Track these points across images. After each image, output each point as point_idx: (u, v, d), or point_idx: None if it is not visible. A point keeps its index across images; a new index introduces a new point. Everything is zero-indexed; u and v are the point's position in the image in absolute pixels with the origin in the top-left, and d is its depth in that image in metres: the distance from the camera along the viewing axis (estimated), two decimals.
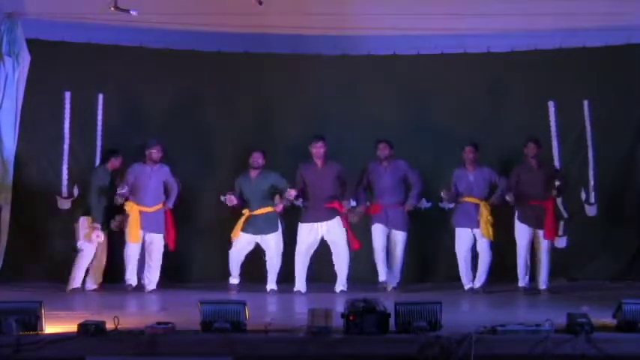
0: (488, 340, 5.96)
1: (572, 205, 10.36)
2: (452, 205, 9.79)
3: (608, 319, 6.36)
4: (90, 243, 9.42)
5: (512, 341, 5.99)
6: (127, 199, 9.42)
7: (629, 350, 5.96)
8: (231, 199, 9.46)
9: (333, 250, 9.49)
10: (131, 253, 9.51)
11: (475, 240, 9.57)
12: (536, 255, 9.58)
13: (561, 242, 10.32)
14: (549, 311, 6.46)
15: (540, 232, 9.57)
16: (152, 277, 9.53)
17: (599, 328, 6.12)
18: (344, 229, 9.41)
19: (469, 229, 9.57)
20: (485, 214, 9.51)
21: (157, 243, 9.55)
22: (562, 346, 5.93)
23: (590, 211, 10.40)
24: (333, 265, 9.58)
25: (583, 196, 10.39)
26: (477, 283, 9.55)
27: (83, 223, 9.50)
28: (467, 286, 9.52)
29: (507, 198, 9.45)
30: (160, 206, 9.57)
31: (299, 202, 9.64)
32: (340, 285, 9.37)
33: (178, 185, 9.72)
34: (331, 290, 9.41)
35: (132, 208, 9.44)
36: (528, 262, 9.57)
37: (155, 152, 9.53)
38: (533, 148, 9.60)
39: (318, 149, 9.45)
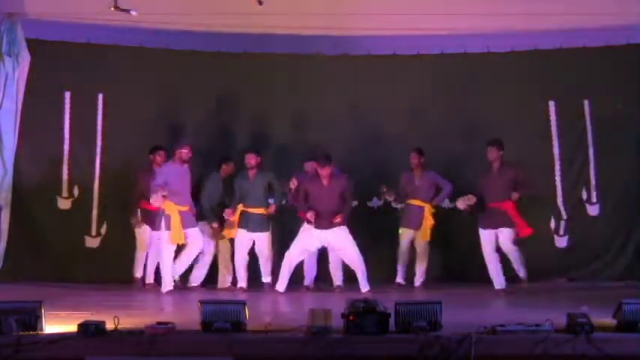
0: (488, 340, 5.95)
1: (573, 204, 10.38)
2: (400, 206, 10.00)
3: (608, 319, 6.35)
4: (213, 240, 9.70)
5: (512, 341, 5.98)
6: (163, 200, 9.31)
7: (629, 350, 5.95)
8: (229, 213, 9.56)
9: (342, 256, 9.50)
10: (171, 255, 9.39)
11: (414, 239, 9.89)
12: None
13: (562, 242, 10.34)
14: (549, 311, 6.45)
15: (502, 231, 9.49)
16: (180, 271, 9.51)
17: (599, 328, 6.10)
18: (349, 235, 9.36)
19: (411, 231, 9.82)
20: (428, 217, 9.73)
21: (193, 237, 9.47)
22: (562, 346, 5.92)
23: (592, 210, 10.42)
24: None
25: (584, 195, 10.40)
26: (418, 282, 9.80)
27: (202, 227, 9.62)
28: (399, 280, 9.86)
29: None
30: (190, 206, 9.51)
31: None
32: (363, 287, 9.32)
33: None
34: (330, 290, 9.49)
35: (172, 208, 9.28)
36: (499, 266, 9.52)
37: (185, 152, 9.43)
38: (493, 151, 9.60)
39: (325, 171, 9.33)
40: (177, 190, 9.29)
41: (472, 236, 9.90)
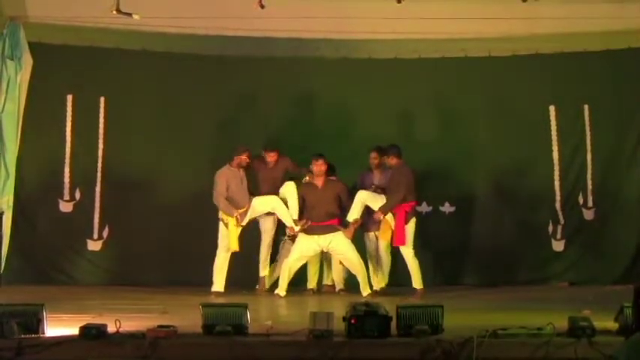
0: (490, 343, 5.95)
1: (570, 208, 10.39)
2: None
3: (610, 323, 6.36)
4: None
5: (513, 345, 5.98)
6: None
7: None
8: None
9: (342, 260, 9.50)
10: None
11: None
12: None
13: (559, 246, 10.36)
14: (551, 315, 6.45)
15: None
16: None
17: (601, 332, 6.11)
18: (347, 240, 9.31)
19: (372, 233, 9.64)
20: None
21: None
22: (564, 349, 5.91)
23: (588, 214, 10.43)
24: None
25: (581, 200, 10.42)
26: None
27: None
28: None
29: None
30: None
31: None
32: (363, 290, 9.29)
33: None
34: (332, 293, 9.55)
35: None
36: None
37: (244, 158, 9.49)
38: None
39: (319, 167, 9.37)
40: (237, 194, 9.40)
41: (468, 239, 9.94)
